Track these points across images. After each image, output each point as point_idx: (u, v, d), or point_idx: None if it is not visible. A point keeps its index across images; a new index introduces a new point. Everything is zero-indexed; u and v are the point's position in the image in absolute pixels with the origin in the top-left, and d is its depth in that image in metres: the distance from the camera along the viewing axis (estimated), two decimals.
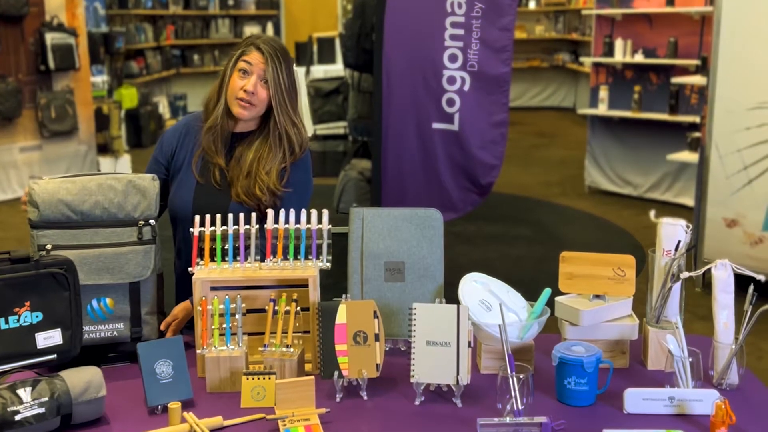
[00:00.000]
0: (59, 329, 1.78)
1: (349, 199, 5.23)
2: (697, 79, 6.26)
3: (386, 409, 1.74)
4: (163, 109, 11.22)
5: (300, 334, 1.90)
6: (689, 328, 1.87)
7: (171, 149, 2.31)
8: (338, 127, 6.58)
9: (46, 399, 1.61)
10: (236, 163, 2.24)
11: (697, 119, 6.39)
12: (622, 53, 7.12)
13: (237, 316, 1.86)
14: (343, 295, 1.89)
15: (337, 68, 8.59)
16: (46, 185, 1.94)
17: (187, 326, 2.14)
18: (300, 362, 1.86)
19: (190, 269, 1.96)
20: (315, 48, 9.31)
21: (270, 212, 2.01)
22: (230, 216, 1.99)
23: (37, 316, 1.75)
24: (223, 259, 1.98)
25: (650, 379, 1.88)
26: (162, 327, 2.07)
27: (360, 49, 5.05)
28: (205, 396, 1.81)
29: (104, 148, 8.25)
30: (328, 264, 1.98)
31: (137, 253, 1.96)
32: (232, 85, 2.20)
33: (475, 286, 1.95)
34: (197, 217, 1.99)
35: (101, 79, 8.76)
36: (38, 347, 1.75)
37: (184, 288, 2.19)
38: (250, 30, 13.01)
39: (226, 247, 1.97)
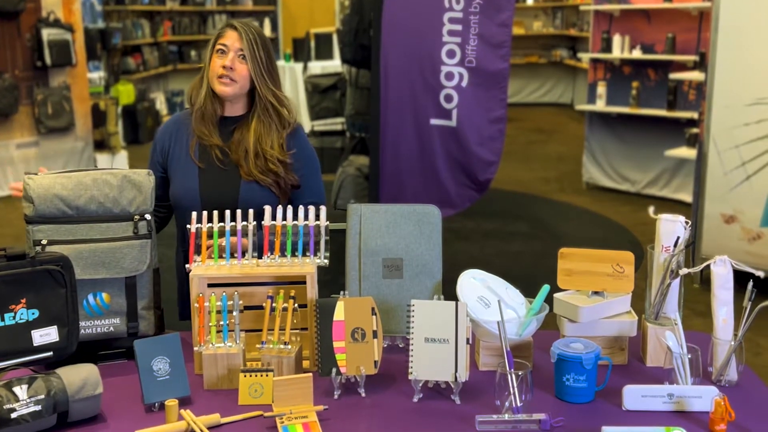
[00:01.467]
0: (55, 326, 1.77)
1: (346, 195, 5.23)
2: (695, 75, 6.25)
3: (384, 406, 1.73)
4: (160, 105, 11.21)
5: (298, 331, 1.90)
6: (688, 325, 1.86)
7: (166, 146, 2.34)
8: (336, 124, 6.57)
9: (43, 396, 1.60)
10: (237, 145, 2.28)
11: (695, 115, 6.39)
12: (620, 49, 7.11)
13: (234, 313, 1.85)
14: (341, 292, 1.88)
15: (334, 64, 8.59)
16: (41, 180, 1.93)
17: (183, 320, 2.13)
18: (298, 359, 1.85)
19: (187, 266, 1.96)
20: (312, 44, 9.29)
21: (267, 209, 2.00)
22: (227, 213, 1.98)
23: (33, 314, 1.74)
24: (220, 256, 1.97)
25: (649, 375, 1.88)
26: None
27: (357, 44, 5.03)
28: (203, 393, 1.80)
29: (101, 145, 8.23)
30: (326, 261, 1.97)
31: (133, 247, 1.95)
32: (212, 67, 2.26)
33: (474, 282, 1.94)
34: (194, 214, 1.99)
35: (98, 75, 8.74)
36: (34, 344, 1.75)
37: (188, 280, 2.18)
38: None
39: (223, 244, 1.97)
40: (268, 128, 2.29)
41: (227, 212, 1.99)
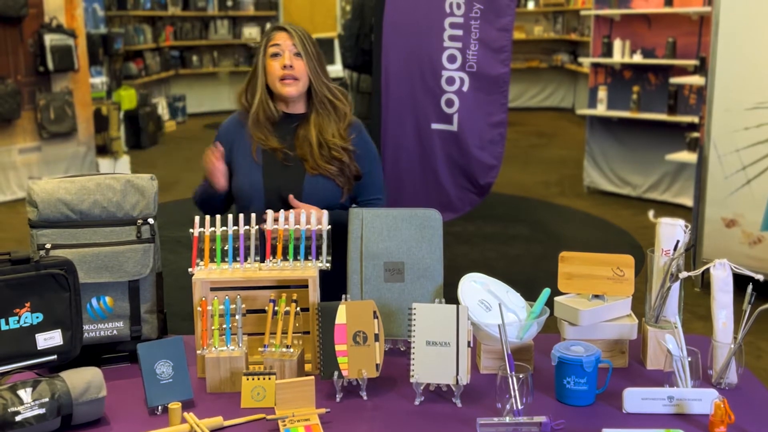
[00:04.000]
0: (59, 330, 1.78)
1: None
2: (696, 80, 6.26)
3: (386, 409, 1.74)
4: (162, 110, 11.23)
5: (300, 334, 1.91)
6: (688, 328, 1.87)
7: (230, 140, 2.39)
8: None
9: (47, 399, 1.61)
10: (302, 141, 2.34)
11: (695, 119, 6.40)
12: (620, 54, 7.12)
13: (237, 317, 1.86)
14: (343, 296, 1.89)
15: (335, 69, 8.59)
16: (45, 185, 1.95)
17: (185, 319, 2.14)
18: (300, 362, 1.86)
19: (189, 270, 1.97)
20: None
21: (269, 213, 2.01)
22: (230, 216, 1.99)
23: (37, 317, 1.75)
24: (222, 260, 1.98)
25: (649, 378, 1.89)
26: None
27: (359, 49, 5.04)
28: (205, 396, 1.81)
29: (103, 150, 8.25)
30: (328, 264, 1.98)
31: (136, 251, 1.96)
32: (270, 71, 2.32)
33: (475, 286, 1.95)
34: (197, 218, 2.00)
35: (100, 80, 8.76)
36: (38, 348, 1.76)
37: None
38: (249, 31, 13.02)
39: (225, 248, 1.98)
40: (327, 120, 2.35)
41: (230, 216, 2.00)
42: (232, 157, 2.39)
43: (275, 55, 2.31)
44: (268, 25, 12.95)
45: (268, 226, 1.99)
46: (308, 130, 2.35)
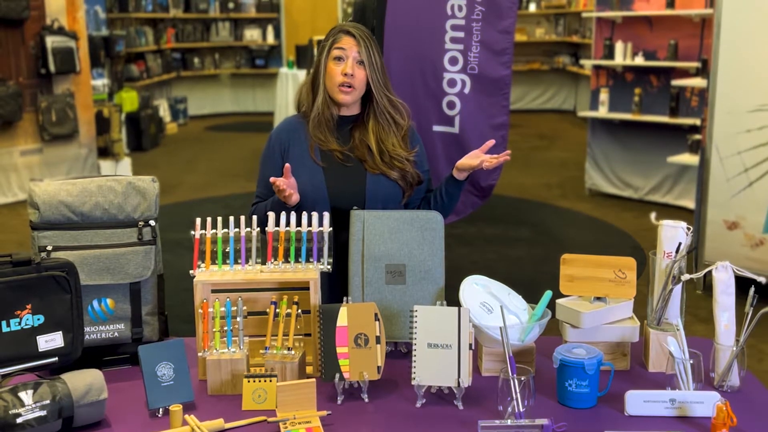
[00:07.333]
0: (60, 332, 1.78)
1: None
2: (698, 82, 6.26)
3: (387, 412, 1.74)
4: (164, 112, 11.23)
5: (301, 336, 1.91)
6: (690, 330, 1.87)
7: (285, 146, 2.34)
8: None
9: (48, 402, 1.61)
10: (360, 143, 2.31)
11: (697, 122, 6.39)
12: (622, 56, 7.12)
13: (238, 319, 1.86)
14: (344, 298, 1.89)
15: None
16: (47, 187, 1.95)
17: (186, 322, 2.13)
18: (301, 365, 1.86)
19: (191, 272, 1.97)
20: (315, 51, 9.32)
21: (271, 215, 2.01)
22: (231, 219, 1.99)
23: (38, 319, 1.75)
24: (224, 262, 1.98)
25: (651, 381, 1.88)
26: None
27: None
28: (206, 398, 1.81)
29: (105, 152, 8.26)
30: (329, 267, 1.98)
31: (137, 253, 1.96)
32: (330, 74, 2.27)
33: (476, 288, 1.95)
34: (198, 220, 2.00)
35: (102, 82, 8.77)
36: (40, 350, 1.76)
37: None
38: (251, 33, 13.03)
39: (227, 250, 1.98)
40: (387, 130, 2.32)
41: (231, 218, 1.99)
42: (288, 160, 2.33)
43: (338, 58, 2.26)
44: (269, 27, 12.97)
45: (270, 228, 1.99)
46: (366, 135, 2.32)
